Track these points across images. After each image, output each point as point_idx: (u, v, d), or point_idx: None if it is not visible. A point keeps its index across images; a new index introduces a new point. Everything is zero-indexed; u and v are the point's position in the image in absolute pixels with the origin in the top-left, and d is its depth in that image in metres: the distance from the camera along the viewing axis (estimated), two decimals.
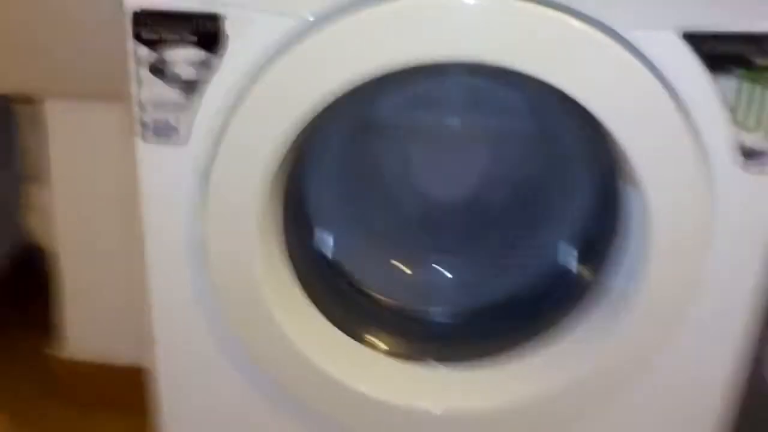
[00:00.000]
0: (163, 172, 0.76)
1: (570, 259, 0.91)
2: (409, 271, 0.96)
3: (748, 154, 0.73)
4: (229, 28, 0.70)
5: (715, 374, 0.84)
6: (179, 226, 0.78)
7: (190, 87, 0.72)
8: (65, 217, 1.16)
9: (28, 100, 1.12)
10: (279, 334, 0.80)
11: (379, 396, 0.83)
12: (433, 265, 0.96)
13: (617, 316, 0.80)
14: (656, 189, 0.73)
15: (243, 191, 0.74)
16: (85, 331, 1.23)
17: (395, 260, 0.96)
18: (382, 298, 0.94)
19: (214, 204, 0.75)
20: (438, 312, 0.94)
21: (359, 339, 0.86)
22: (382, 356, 0.86)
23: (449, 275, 0.96)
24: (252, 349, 0.82)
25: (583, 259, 0.89)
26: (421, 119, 0.89)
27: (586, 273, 0.87)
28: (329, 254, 0.92)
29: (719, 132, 0.72)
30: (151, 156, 0.75)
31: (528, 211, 0.93)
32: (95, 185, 1.14)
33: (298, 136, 0.72)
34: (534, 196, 0.92)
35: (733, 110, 0.71)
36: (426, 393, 0.85)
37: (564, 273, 0.91)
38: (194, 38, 0.70)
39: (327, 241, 0.92)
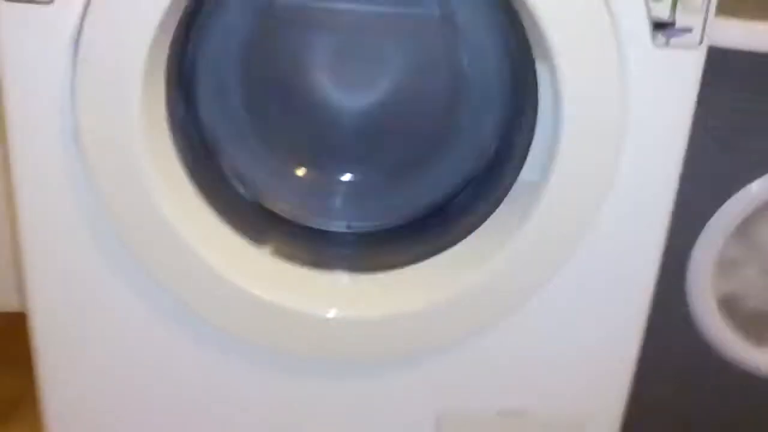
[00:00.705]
0: (26, 40, 0.67)
1: (480, 159, 0.86)
2: (309, 180, 0.89)
3: (658, 26, 0.70)
4: None
5: (631, 272, 0.80)
6: (48, 108, 0.69)
7: None
8: None
9: None
10: (163, 226, 0.72)
11: (269, 297, 0.76)
12: (335, 175, 0.89)
13: (527, 213, 0.75)
14: (568, 64, 0.68)
15: (120, 59, 0.66)
16: None
17: (295, 167, 0.88)
18: (279, 207, 0.87)
19: (85, 76, 0.66)
20: (342, 225, 0.88)
21: (254, 241, 0.79)
22: (275, 259, 0.79)
23: (352, 183, 0.90)
24: (136, 247, 0.73)
25: (495, 158, 0.85)
26: (324, 4, 0.83)
27: (497, 171, 0.83)
28: (221, 154, 0.84)
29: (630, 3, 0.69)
30: (10, 20, 0.66)
31: (438, 109, 0.87)
32: None
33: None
34: (443, 93, 0.86)
35: None
36: (320, 298, 0.78)
37: (475, 174, 0.86)
38: None
39: (219, 140, 0.84)
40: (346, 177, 0.88)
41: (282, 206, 0.87)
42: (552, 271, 0.77)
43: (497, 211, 0.78)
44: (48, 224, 0.74)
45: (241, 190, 0.85)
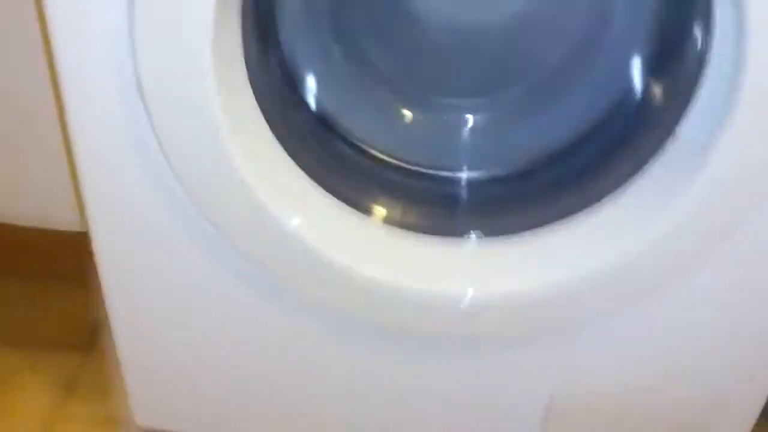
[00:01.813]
0: None
1: (630, 102, 0.69)
2: (421, 122, 0.74)
3: None
4: None
5: None
6: (101, 49, 0.58)
7: None
8: None
9: None
10: (245, 195, 0.61)
11: (388, 278, 0.65)
12: (454, 114, 0.74)
13: (690, 177, 0.60)
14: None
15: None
16: (18, 195, 1.07)
17: (404, 108, 0.74)
18: (386, 157, 0.73)
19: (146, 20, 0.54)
20: (461, 175, 0.74)
21: (358, 208, 0.67)
22: (386, 227, 0.67)
23: (473, 125, 0.74)
24: (210, 212, 0.63)
25: (646, 104, 0.68)
26: None
27: (652, 120, 0.66)
28: (313, 101, 0.70)
29: None
30: None
31: (573, 40, 0.70)
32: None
33: None
34: (581, 20, 0.70)
35: None
36: (449, 273, 0.66)
37: (623, 120, 0.69)
38: None
39: (309, 84, 0.70)
40: (464, 117, 0.74)
41: (387, 153, 0.73)
42: (720, 239, 0.63)
43: (651, 170, 0.63)
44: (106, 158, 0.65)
45: (337, 140, 0.72)
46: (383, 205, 0.69)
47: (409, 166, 0.73)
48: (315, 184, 0.65)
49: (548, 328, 0.71)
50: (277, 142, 0.63)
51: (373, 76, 0.71)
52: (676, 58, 0.63)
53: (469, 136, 0.74)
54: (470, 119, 0.73)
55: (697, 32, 0.59)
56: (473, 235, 0.68)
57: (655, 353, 0.75)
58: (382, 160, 0.72)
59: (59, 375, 0.99)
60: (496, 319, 0.68)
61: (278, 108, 0.65)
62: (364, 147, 0.72)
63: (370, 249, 0.66)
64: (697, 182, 0.60)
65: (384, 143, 0.72)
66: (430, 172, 0.73)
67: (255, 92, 0.61)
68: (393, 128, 0.73)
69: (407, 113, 0.74)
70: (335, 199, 0.66)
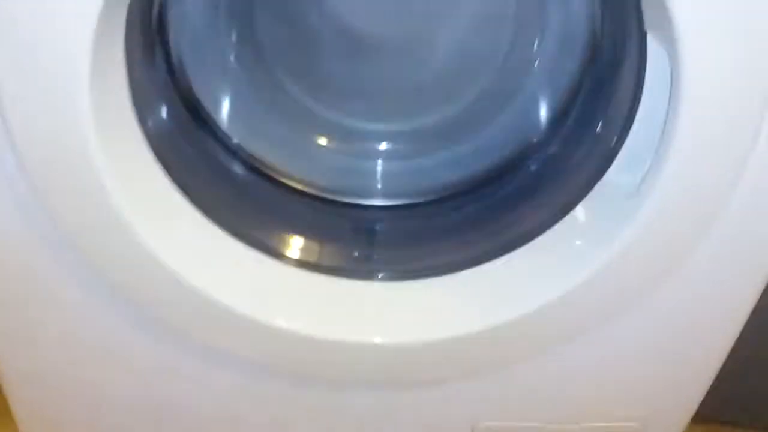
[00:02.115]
0: None
1: (552, 140, 0.65)
2: (333, 148, 0.69)
3: None
4: None
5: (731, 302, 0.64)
6: None
7: None
8: None
9: None
10: (134, 244, 0.54)
11: (296, 328, 0.59)
12: (368, 140, 0.69)
13: (618, 224, 0.56)
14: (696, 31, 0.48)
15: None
16: None
17: (314, 132, 0.68)
18: (295, 184, 0.67)
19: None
20: (375, 203, 0.68)
21: (265, 250, 0.61)
22: (294, 270, 0.61)
23: (388, 152, 0.69)
24: (96, 263, 0.57)
25: (569, 144, 0.64)
26: None
27: (576, 162, 0.62)
28: (213, 116, 0.64)
29: None
30: None
31: (496, 68, 0.66)
32: None
33: None
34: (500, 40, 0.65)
35: None
36: (358, 319, 0.61)
37: (544, 160, 0.65)
38: None
39: (211, 107, 0.63)
40: (378, 143, 0.69)
41: (296, 180, 0.67)
42: (650, 288, 0.60)
43: (576, 214, 0.59)
44: None
45: (241, 170, 0.65)
46: (292, 245, 0.63)
47: (319, 194, 0.67)
48: (212, 225, 0.59)
49: (458, 374, 0.67)
50: (171, 184, 0.56)
51: (283, 98, 0.65)
52: (604, 99, 0.59)
53: (384, 163, 0.69)
54: (384, 145, 0.68)
55: (628, 74, 0.55)
56: (384, 277, 0.63)
57: (575, 387, 0.72)
58: (291, 189, 0.66)
59: None
60: (405, 365, 0.63)
61: (171, 141, 0.58)
62: (272, 174, 0.66)
63: (278, 295, 0.60)
64: (625, 230, 0.56)
65: (293, 169, 0.66)
66: (343, 200, 0.68)
67: (143, 124, 0.54)
68: (303, 154, 0.68)
69: (318, 138, 0.68)
70: (238, 240, 0.60)
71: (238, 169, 0.64)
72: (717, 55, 0.48)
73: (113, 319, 0.63)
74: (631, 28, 0.55)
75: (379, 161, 0.68)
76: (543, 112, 0.64)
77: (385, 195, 0.68)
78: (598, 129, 0.60)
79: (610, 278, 0.58)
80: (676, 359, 0.70)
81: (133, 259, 0.55)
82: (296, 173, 0.66)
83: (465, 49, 0.64)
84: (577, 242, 0.59)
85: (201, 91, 0.62)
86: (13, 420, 0.77)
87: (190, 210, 0.58)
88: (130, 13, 0.49)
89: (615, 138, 0.57)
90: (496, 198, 0.65)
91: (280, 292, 0.60)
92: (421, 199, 0.68)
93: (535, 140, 0.65)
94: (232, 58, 0.63)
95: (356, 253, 0.64)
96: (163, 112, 0.59)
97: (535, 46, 0.63)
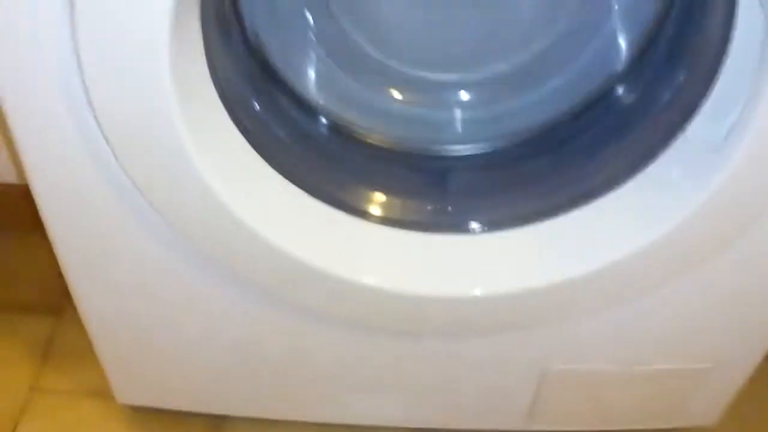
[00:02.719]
0: None
1: (632, 88, 0.63)
2: (409, 100, 0.68)
3: None
4: None
5: None
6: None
7: None
8: None
9: None
10: (208, 198, 0.55)
11: (388, 285, 0.60)
12: (442, 91, 0.67)
13: (700, 180, 0.56)
14: None
15: None
16: None
17: (389, 86, 0.67)
18: (373, 140, 0.67)
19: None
20: (455, 149, 0.68)
21: (347, 209, 0.62)
22: (382, 228, 0.62)
23: (463, 101, 0.68)
24: (179, 225, 0.58)
25: (650, 93, 0.62)
26: None
27: (657, 112, 0.61)
28: (288, 78, 0.63)
29: None
30: None
31: (572, 12, 0.63)
32: None
33: None
34: None
35: None
36: (453, 273, 0.62)
37: (625, 108, 0.64)
38: None
39: (283, 68, 0.63)
40: (453, 93, 0.68)
41: (374, 135, 0.67)
42: (726, 243, 0.59)
43: (658, 166, 0.58)
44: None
45: (318, 128, 0.66)
46: (374, 203, 0.64)
47: (397, 147, 0.68)
48: (294, 187, 0.60)
49: (551, 320, 0.68)
50: (250, 147, 0.57)
51: (356, 53, 0.64)
52: (688, 46, 0.57)
53: (460, 112, 0.68)
54: (459, 95, 0.67)
55: (715, 20, 0.53)
56: (472, 228, 0.63)
57: (647, 330, 0.72)
58: (369, 145, 0.67)
59: (34, 341, 0.96)
60: (502, 315, 0.64)
61: (249, 107, 0.59)
62: (349, 130, 0.66)
63: (365, 254, 0.62)
64: (707, 186, 0.55)
65: (370, 124, 0.66)
66: (422, 150, 0.68)
67: (221, 91, 0.55)
68: (378, 108, 0.67)
69: (393, 92, 0.67)
70: (319, 200, 0.61)
71: (314, 128, 0.65)
72: None
73: (198, 278, 0.66)
74: None
75: (456, 110, 0.68)
76: (623, 55, 0.63)
77: (462, 142, 0.68)
78: (682, 76, 0.58)
79: (690, 232, 0.58)
80: (748, 305, 0.70)
81: (218, 224, 0.57)
82: (373, 128, 0.66)
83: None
84: (660, 194, 0.59)
85: (274, 53, 0.62)
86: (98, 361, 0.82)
87: (270, 173, 0.59)
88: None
89: (700, 86, 0.55)
90: (576, 145, 0.65)
91: (365, 250, 0.62)
92: (501, 145, 0.67)
93: (615, 85, 0.64)
94: (305, 19, 0.63)
95: (437, 206, 0.65)
96: (239, 77, 0.59)
97: None
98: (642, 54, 0.61)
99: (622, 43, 0.62)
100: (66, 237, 0.65)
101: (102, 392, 0.87)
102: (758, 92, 0.51)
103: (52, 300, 0.98)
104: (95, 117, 0.52)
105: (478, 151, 0.68)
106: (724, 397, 0.81)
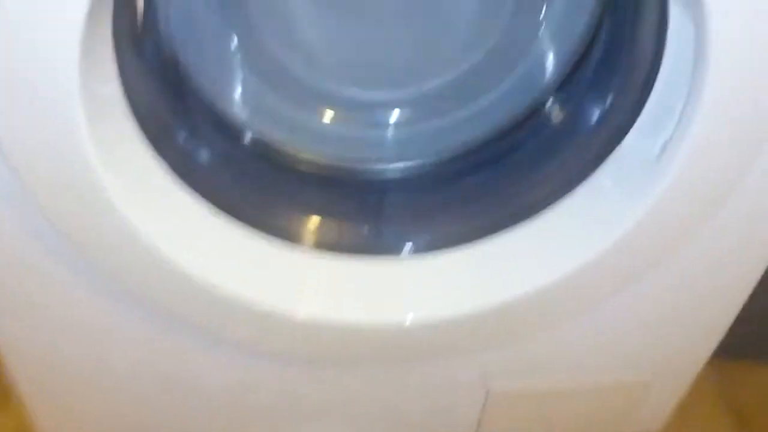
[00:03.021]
0: None
1: (567, 102, 0.62)
2: (338, 119, 0.65)
3: None
4: None
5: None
6: None
7: None
8: None
9: None
10: (120, 225, 0.51)
11: (314, 315, 0.57)
12: (372, 110, 0.65)
13: (640, 191, 0.54)
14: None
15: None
16: None
17: (317, 104, 0.64)
18: (305, 155, 0.64)
19: None
20: (386, 176, 0.66)
21: (271, 231, 0.59)
22: (308, 253, 0.59)
23: (396, 119, 0.66)
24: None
25: (584, 106, 0.61)
26: None
27: (593, 125, 0.60)
28: (211, 96, 0.60)
29: None
30: None
31: (503, 27, 0.62)
32: None
33: None
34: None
35: None
36: (388, 298, 0.60)
37: (561, 115, 0.63)
38: None
39: (204, 79, 0.60)
40: (385, 111, 0.66)
41: (305, 152, 0.65)
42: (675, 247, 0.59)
43: (597, 180, 0.57)
44: None
45: (243, 148, 0.62)
46: (305, 227, 0.62)
47: (329, 166, 0.65)
48: (218, 213, 0.57)
49: (489, 344, 0.66)
50: (168, 171, 0.54)
51: (281, 73, 0.62)
52: (620, 62, 0.56)
53: (392, 130, 0.66)
54: (391, 113, 0.65)
55: (646, 36, 0.53)
56: (408, 250, 0.61)
57: (585, 347, 0.71)
58: (300, 165, 0.64)
59: None
60: (438, 341, 0.63)
61: (167, 128, 0.56)
62: (278, 150, 0.63)
63: (296, 283, 0.59)
64: (643, 201, 0.54)
65: (299, 143, 0.64)
66: (355, 169, 0.66)
67: (136, 111, 0.51)
68: (308, 127, 0.65)
69: (322, 110, 0.65)
70: (246, 226, 0.58)
71: (240, 149, 0.62)
72: (746, 25, 0.45)
73: (119, 310, 0.62)
74: None
75: (388, 128, 0.66)
76: (554, 72, 0.62)
77: (396, 160, 0.66)
78: (614, 92, 0.57)
79: (627, 248, 0.57)
80: (685, 321, 0.70)
81: (132, 255, 0.53)
82: (303, 147, 0.64)
83: (468, 11, 0.61)
84: (596, 210, 0.57)
85: (194, 69, 0.59)
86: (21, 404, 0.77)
87: (190, 198, 0.56)
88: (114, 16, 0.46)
89: (633, 102, 0.55)
90: (511, 162, 0.63)
91: (296, 279, 0.59)
92: (438, 162, 0.66)
93: (546, 101, 0.62)
94: (229, 36, 0.60)
95: (373, 229, 0.63)
96: (156, 96, 0.56)
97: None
98: (573, 70, 0.60)
99: (553, 60, 0.61)
100: None
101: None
102: (692, 108, 0.50)
103: None
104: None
105: (413, 169, 0.66)
106: (667, 405, 0.81)
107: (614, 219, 0.56)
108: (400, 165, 0.66)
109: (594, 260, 0.58)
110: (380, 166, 0.66)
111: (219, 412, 0.75)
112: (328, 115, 0.65)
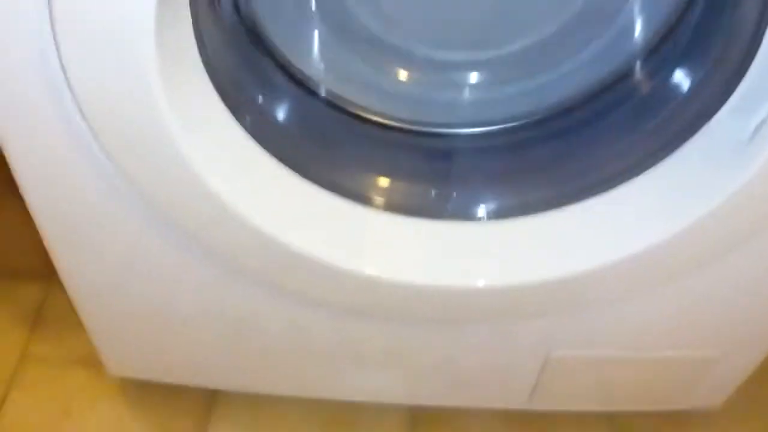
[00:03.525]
0: None
1: (655, 72, 0.59)
2: (414, 80, 0.63)
3: None
4: None
5: None
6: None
7: None
8: None
9: None
10: (196, 185, 0.51)
11: (382, 274, 0.57)
12: (448, 71, 0.63)
13: (726, 173, 0.52)
14: None
15: None
16: None
17: (394, 64, 0.62)
18: (378, 118, 0.62)
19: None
20: (458, 139, 0.63)
21: (351, 196, 0.58)
22: (378, 213, 0.58)
23: (472, 84, 0.63)
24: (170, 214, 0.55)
25: (673, 78, 0.57)
26: None
27: (682, 99, 0.56)
28: (285, 53, 0.59)
29: None
30: None
31: None
32: None
33: None
34: None
35: None
36: (460, 262, 0.59)
37: (649, 84, 0.59)
38: None
39: (281, 36, 0.58)
40: (463, 73, 0.63)
41: (379, 114, 0.63)
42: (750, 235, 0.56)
43: (682, 155, 0.54)
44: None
45: (320, 108, 0.61)
46: (375, 188, 0.60)
47: (401, 127, 0.63)
48: (289, 171, 0.56)
49: (557, 311, 0.65)
50: (241, 129, 0.53)
51: (358, 31, 0.60)
52: (716, 33, 0.53)
53: (468, 93, 0.64)
54: (468, 75, 0.63)
55: (749, 9, 0.49)
56: (478, 215, 0.60)
57: (652, 320, 0.70)
58: (371, 126, 0.62)
59: (23, 308, 0.93)
60: (506, 306, 0.62)
61: (240, 85, 0.55)
62: (350, 109, 0.62)
63: (366, 243, 0.58)
64: (728, 185, 0.52)
65: (372, 103, 0.62)
66: (427, 131, 0.64)
67: (210, 67, 0.50)
68: (382, 87, 0.63)
69: (398, 70, 0.63)
70: (317, 186, 0.57)
71: (312, 108, 0.61)
72: None
73: (188, 260, 0.62)
74: None
75: (463, 91, 0.63)
76: (643, 39, 0.58)
77: (470, 125, 0.64)
78: (707, 65, 0.54)
79: (707, 229, 0.55)
80: (760, 298, 0.67)
81: (208, 213, 0.53)
82: (375, 107, 0.62)
83: None
84: (679, 187, 0.55)
85: (270, 24, 0.57)
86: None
87: (264, 157, 0.55)
88: None
89: (727, 78, 0.51)
90: (590, 132, 0.61)
91: (366, 238, 0.59)
92: (512, 127, 0.63)
93: (633, 69, 0.59)
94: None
95: (442, 192, 0.61)
96: (230, 52, 0.55)
97: None
98: (666, 37, 0.56)
99: (642, 25, 0.57)
100: (47, 215, 0.62)
101: (93, 363, 0.85)
102: None
103: (41, 266, 0.94)
104: (74, 95, 0.48)
105: (486, 133, 0.64)
106: (731, 383, 0.79)
107: (697, 198, 0.54)
108: (475, 129, 0.64)
109: (671, 238, 0.55)
110: (453, 129, 0.64)
111: (278, 353, 0.77)
112: (402, 75, 0.63)
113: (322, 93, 0.60)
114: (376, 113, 0.62)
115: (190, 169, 0.51)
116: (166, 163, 0.51)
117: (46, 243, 0.65)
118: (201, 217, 0.55)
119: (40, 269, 0.94)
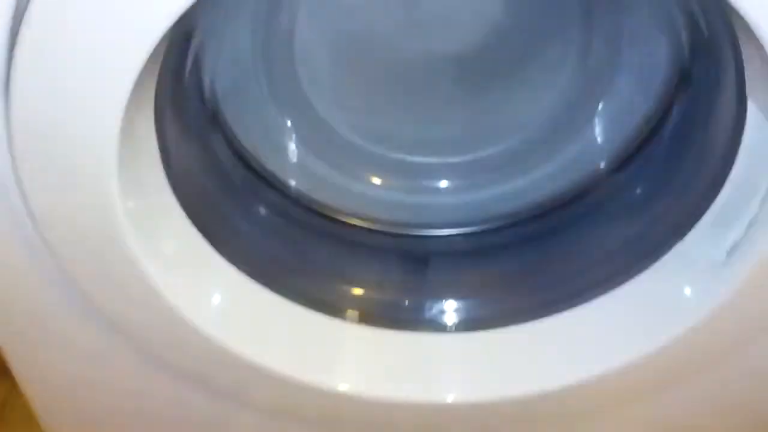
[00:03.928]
0: None
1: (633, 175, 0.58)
2: (389, 185, 0.63)
3: None
4: None
5: None
6: None
7: None
8: None
9: None
10: (155, 299, 0.49)
11: (352, 390, 0.55)
12: (422, 176, 0.62)
13: (699, 296, 0.51)
14: None
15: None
16: None
17: (367, 171, 0.62)
18: (348, 219, 0.61)
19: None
20: (433, 243, 0.62)
21: (311, 303, 0.56)
22: (349, 326, 0.56)
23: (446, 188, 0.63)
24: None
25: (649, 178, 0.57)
26: None
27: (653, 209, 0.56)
28: (255, 158, 0.58)
29: None
30: None
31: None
32: None
33: None
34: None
35: None
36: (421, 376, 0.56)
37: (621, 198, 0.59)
38: None
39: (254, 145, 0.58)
40: (437, 178, 0.63)
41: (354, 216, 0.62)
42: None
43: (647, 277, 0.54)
44: None
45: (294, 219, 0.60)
46: (347, 298, 0.59)
47: (375, 230, 0.62)
48: (253, 283, 0.54)
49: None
50: (206, 243, 0.52)
51: (329, 138, 0.59)
52: (690, 150, 0.52)
53: (441, 197, 0.63)
54: (441, 179, 0.62)
55: (722, 129, 0.48)
56: (451, 327, 0.58)
57: None
58: (343, 231, 0.61)
59: None
60: (477, 423, 0.59)
61: (205, 195, 0.53)
62: (324, 214, 0.61)
63: (336, 357, 0.56)
64: (704, 304, 0.50)
65: (346, 207, 0.61)
66: (401, 236, 0.63)
67: (171, 173, 0.49)
68: (355, 193, 0.62)
69: (370, 175, 0.62)
70: (285, 299, 0.55)
71: (284, 215, 0.60)
72: None
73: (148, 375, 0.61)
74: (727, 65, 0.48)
75: (437, 195, 0.63)
76: (609, 153, 0.58)
77: (444, 227, 0.63)
78: (681, 179, 0.53)
79: (684, 346, 0.53)
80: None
81: (165, 326, 0.51)
82: (349, 211, 0.61)
83: (528, 78, 0.57)
84: (655, 302, 0.54)
85: (245, 140, 0.56)
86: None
87: (229, 269, 0.53)
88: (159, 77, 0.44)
89: (702, 194, 0.50)
90: (565, 236, 0.60)
91: (336, 352, 0.57)
92: (486, 230, 0.62)
93: (605, 178, 0.59)
94: (277, 102, 0.57)
95: (416, 302, 0.60)
96: (201, 173, 0.54)
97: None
98: (636, 152, 0.56)
99: (616, 137, 0.57)
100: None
101: None
102: (766, 212, 0.46)
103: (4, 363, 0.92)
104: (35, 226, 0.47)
105: (462, 235, 0.63)
106: None
107: (675, 315, 0.52)
108: (450, 231, 0.63)
109: (648, 356, 0.54)
110: (428, 232, 0.63)
111: None
112: (376, 180, 0.62)
113: (292, 202, 0.59)
114: (348, 215, 0.61)
115: (145, 279, 0.49)
116: (121, 275, 0.49)
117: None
118: (160, 330, 0.53)
119: (3, 366, 0.92)
